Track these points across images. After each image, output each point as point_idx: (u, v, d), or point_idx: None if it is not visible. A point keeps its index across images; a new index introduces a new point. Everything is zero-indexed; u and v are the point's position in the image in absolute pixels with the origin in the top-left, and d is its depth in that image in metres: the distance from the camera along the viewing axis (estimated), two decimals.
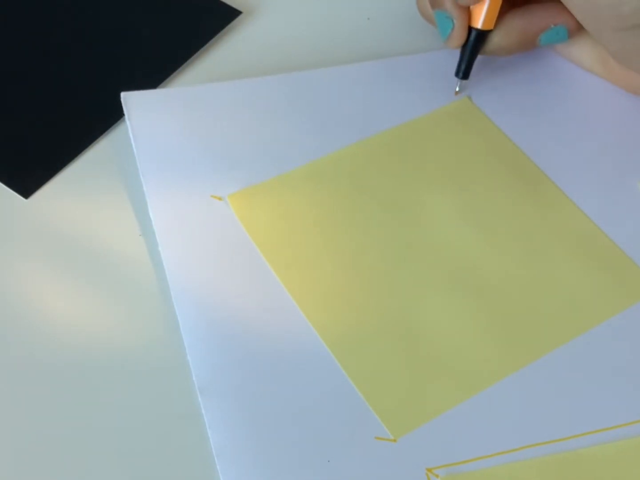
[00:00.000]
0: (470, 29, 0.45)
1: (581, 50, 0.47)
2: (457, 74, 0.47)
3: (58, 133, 0.47)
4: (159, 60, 0.50)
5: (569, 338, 0.39)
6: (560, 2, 0.43)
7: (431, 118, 0.47)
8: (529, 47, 0.46)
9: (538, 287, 0.41)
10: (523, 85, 0.48)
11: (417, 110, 0.47)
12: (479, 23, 0.45)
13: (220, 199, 0.43)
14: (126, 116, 0.46)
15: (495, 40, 0.45)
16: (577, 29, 0.45)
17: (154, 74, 0.49)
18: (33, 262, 0.42)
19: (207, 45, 0.50)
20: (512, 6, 0.45)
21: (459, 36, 0.45)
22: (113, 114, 0.47)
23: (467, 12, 0.45)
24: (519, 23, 0.44)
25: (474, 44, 0.46)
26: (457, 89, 0.47)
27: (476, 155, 0.45)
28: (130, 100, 0.46)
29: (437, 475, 0.35)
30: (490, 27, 0.45)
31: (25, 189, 0.44)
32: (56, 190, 0.45)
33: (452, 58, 0.47)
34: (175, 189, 0.44)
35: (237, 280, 0.41)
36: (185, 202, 0.43)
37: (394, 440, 0.36)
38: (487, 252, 0.42)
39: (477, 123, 0.47)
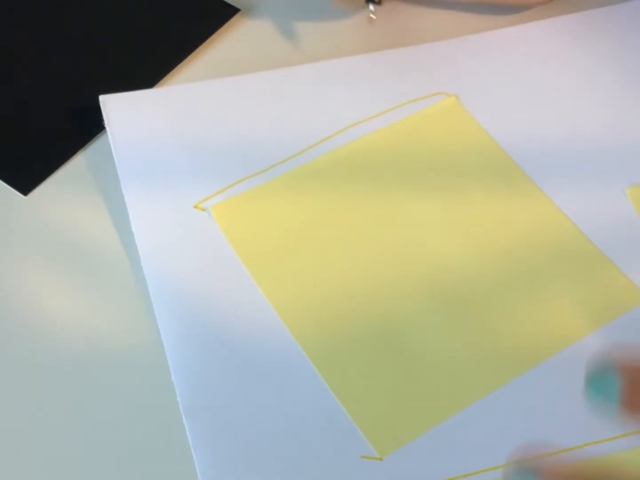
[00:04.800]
0: None
1: None
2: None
3: (57, 131, 0.46)
4: (156, 58, 0.48)
5: (555, 351, 0.38)
6: None
7: (417, 119, 0.45)
8: None
9: (524, 299, 0.39)
10: (510, 87, 0.46)
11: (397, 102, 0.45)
12: None
13: (203, 210, 0.41)
14: (105, 122, 0.43)
15: None
16: None
17: (151, 72, 0.47)
18: (31, 258, 0.41)
19: (205, 43, 0.48)
20: None
21: None
22: None
23: None
24: None
25: None
26: (373, 11, 0.45)
27: (461, 159, 0.44)
28: (110, 104, 0.44)
29: None
30: None
31: (24, 186, 0.44)
32: (55, 187, 0.44)
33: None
34: (157, 200, 0.42)
35: (220, 296, 0.39)
36: (167, 213, 0.41)
37: (380, 459, 0.35)
38: (473, 264, 0.40)
39: (463, 125, 0.45)
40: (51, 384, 0.38)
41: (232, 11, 0.50)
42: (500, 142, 0.44)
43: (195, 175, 0.42)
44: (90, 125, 0.45)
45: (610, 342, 0.38)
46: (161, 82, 0.47)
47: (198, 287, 0.39)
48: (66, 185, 0.44)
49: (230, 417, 0.36)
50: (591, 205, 0.42)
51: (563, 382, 0.37)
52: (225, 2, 0.50)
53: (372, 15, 0.44)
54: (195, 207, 0.41)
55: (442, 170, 0.43)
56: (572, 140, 0.44)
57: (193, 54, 0.48)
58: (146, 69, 0.48)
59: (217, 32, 0.49)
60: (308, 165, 0.43)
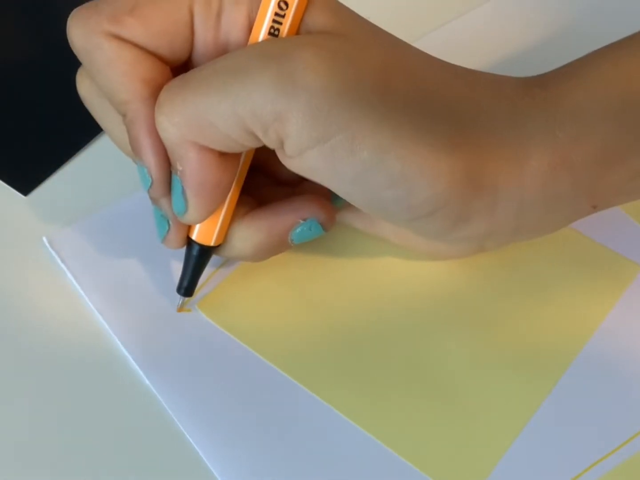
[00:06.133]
0: (191, 240, 0.36)
1: (380, 229, 0.39)
2: (178, 290, 0.37)
3: (58, 130, 0.46)
4: None
5: (582, 345, 0.37)
6: (310, 194, 0.37)
7: None
8: (280, 248, 0.37)
9: (530, 302, 0.38)
10: None
11: None
12: (194, 235, 0.36)
13: (189, 310, 0.39)
14: (57, 259, 0.41)
15: (234, 251, 0.37)
16: (331, 220, 0.37)
17: None
18: (31, 258, 0.41)
19: None
20: (256, 205, 0.37)
21: (176, 242, 0.36)
22: None
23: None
24: (260, 225, 0.36)
25: (198, 258, 0.36)
26: (179, 304, 0.38)
27: None
28: (56, 241, 0.41)
29: None
30: (214, 242, 0.36)
31: (24, 185, 0.44)
32: (55, 187, 0.44)
33: None
34: (139, 317, 0.39)
35: (241, 390, 0.37)
36: (154, 325, 0.38)
37: None
38: (470, 281, 0.39)
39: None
40: (51, 384, 0.38)
41: None
42: None
43: (166, 279, 0.40)
44: (90, 125, 0.44)
45: (629, 314, 0.38)
46: None
47: (216, 390, 0.37)
48: (67, 185, 0.44)
49: None
50: None
51: (603, 372, 0.37)
52: None
53: (179, 304, 0.38)
54: (180, 310, 0.39)
55: None
56: None
57: None
58: None
59: None
60: None
